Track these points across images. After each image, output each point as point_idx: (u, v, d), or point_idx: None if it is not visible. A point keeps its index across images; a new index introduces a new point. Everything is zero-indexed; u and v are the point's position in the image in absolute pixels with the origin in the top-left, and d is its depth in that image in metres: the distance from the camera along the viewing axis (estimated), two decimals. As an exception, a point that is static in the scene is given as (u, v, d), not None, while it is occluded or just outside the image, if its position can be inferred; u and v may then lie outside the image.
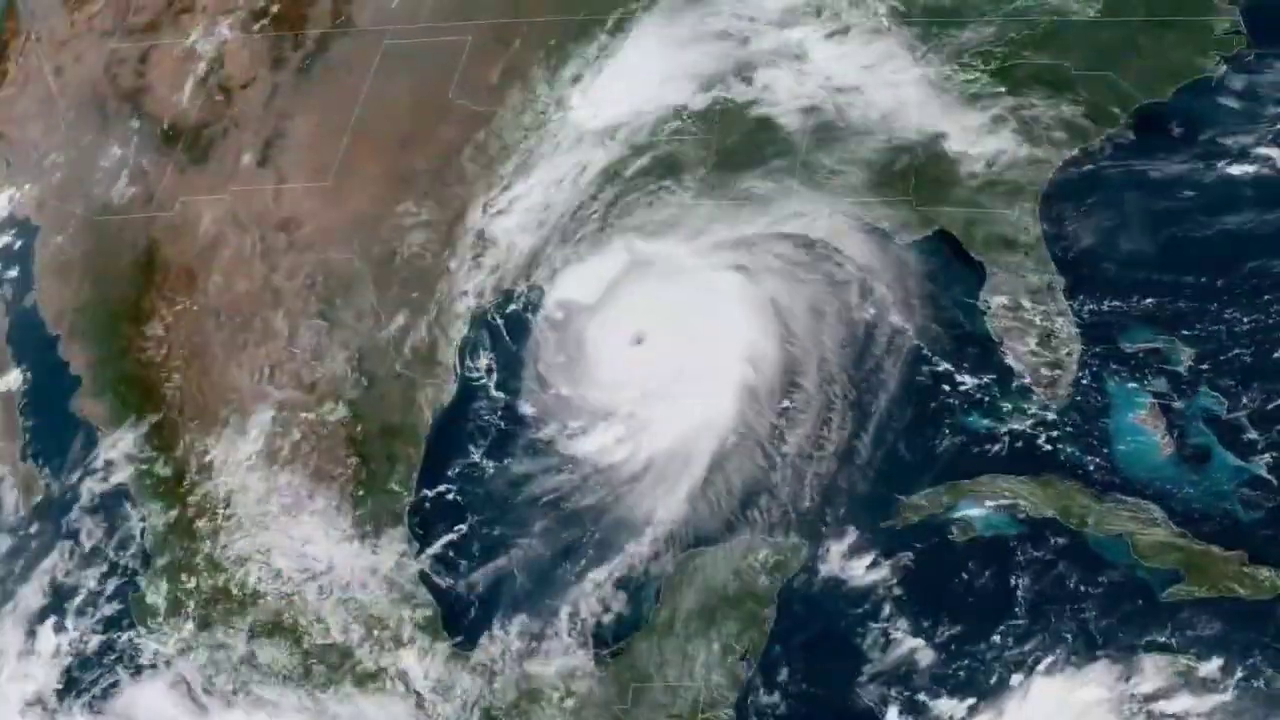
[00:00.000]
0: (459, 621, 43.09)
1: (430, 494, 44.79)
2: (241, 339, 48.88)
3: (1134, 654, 37.15)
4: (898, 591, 39.60)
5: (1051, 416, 39.98)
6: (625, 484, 42.82)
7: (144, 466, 48.11)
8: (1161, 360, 39.78)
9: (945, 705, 38.18)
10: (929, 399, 41.21)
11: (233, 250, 50.32)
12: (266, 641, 44.74)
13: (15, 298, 53.25)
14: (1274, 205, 40.94)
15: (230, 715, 44.23)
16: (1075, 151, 42.97)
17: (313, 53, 52.68)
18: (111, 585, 47.07)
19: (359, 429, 46.36)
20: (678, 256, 44.91)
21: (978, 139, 43.83)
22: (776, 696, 39.83)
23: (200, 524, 46.79)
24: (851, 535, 40.56)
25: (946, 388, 41.12)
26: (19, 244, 54.22)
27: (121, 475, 48.22)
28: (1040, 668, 37.73)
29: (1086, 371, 40.31)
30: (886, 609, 39.55)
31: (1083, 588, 38.15)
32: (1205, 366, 39.40)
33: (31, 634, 47.30)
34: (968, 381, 41.03)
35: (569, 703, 41.24)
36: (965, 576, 39.16)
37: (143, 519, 47.39)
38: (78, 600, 47.26)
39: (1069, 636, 37.77)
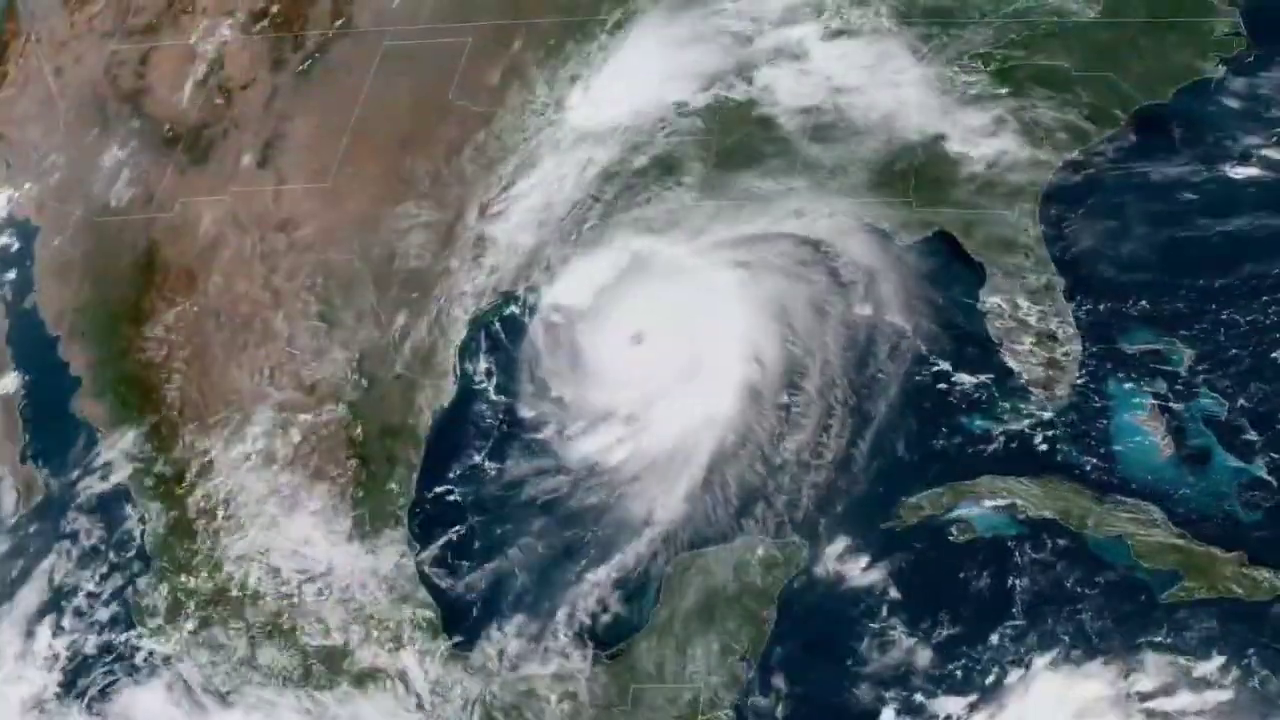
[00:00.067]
0: (458, 622, 43.07)
1: (430, 495, 44.77)
2: (241, 340, 48.87)
3: (1133, 653, 37.16)
4: (898, 592, 39.59)
5: (1051, 417, 40.01)
6: (625, 484, 42.82)
7: (144, 467, 48.08)
8: (1161, 361, 39.80)
9: (944, 704, 38.17)
10: (929, 400, 41.21)
11: (233, 251, 50.31)
12: (266, 642, 44.71)
13: (15, 298, 53.20)
14: (1274, 207, 40.91)
15: (229, 716, 44.18)
16: (1075, 153, 43.01)
17: (313, 54, 52.68)
18: (111, 586, 47.04)
19: (359, 430, 46.34)
20: (678, 256, 44.91)
21: (978, 140, 43.85)
22: (776, 697, 39.81)
23: (200, 525, 46.77)
24: (851, 536, 40.57)
25: (946, 388, 41.12)
26: (19, 245, 54.17)
27: (121, 476, 48.19)
28: (1039, 666, 37.73)
29: (1086, 372, 40.33)
30: (886, 609, 39.55)
31: (1082, 588, 38.17)
32: (1205, 367, 39.41)
33: (30, 635, 47.25)
34: (967, 382, 41.02)
35: (568, 703, 41.24)
36: (965, 577, 39.15)
37: (142, 519, 47.36)
38: (77, 601, 47.22)
39: (1068, 636, 37.77)
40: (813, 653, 39.86)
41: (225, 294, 49.75)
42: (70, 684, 46.18)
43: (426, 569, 43.83)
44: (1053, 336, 40.79)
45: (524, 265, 46.58)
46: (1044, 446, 39.77)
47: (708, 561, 41.45)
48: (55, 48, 57.33)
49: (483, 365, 45.73)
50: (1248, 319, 39.54)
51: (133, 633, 46.07)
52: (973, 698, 37.96)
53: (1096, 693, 37.09)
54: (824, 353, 42.72)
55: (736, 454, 42.27)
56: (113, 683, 45.73)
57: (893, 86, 45.49)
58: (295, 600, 44.89)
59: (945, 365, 41.39)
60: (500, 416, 44.91)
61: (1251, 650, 36.42)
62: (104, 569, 47.34)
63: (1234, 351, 39.27)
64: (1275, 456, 38.07)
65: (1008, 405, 40.40)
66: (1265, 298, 39.55)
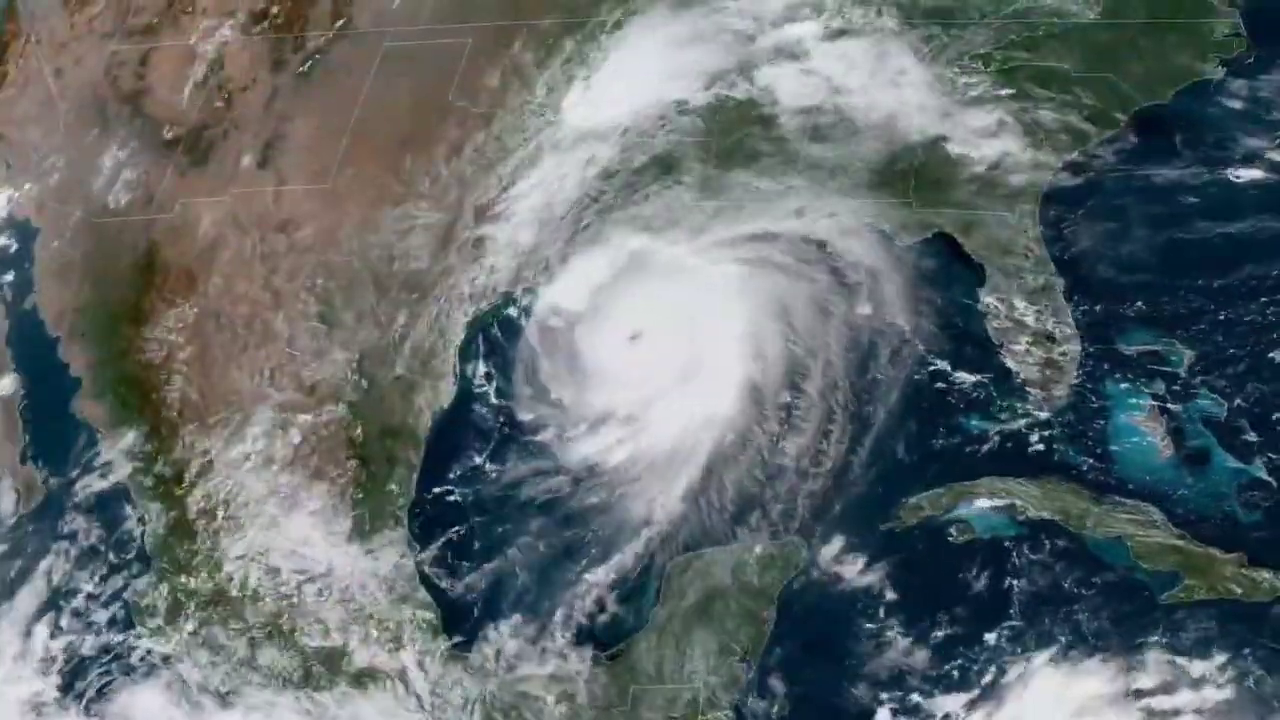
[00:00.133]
0: (458, 623, 43.11)
1: (430, 495, 44.80)
2: (241, 341, 48.86)
3: (1132, 652, 37.20)
4: (897, 593, 39.63)
5: (1050, 418, 40.03)
6: (624, 485, 42.85)
7: (143, 467, 48.09)
8: (1160, 362, 39.80)
9: (943, 703, 38.21)
10: (928, 401, 41.23)
11: (233, 252, 50.28)
12: (266, 642, 44.73)
13: (15, 299, 53.17)
14: (1273, 209, 40.88)
15: (229, 716, 44.22)
16: (1075, 154, 42.96)
17: (313, 55, 52.64)
18: (110, 586, 47.05)
19: (359, 431, 46.34)
20: (677, 255, 44.89)
21: (978, 141, 43.82)
22: (776, 697, 39.82)
23: (200, 525, 46.78)
24: (851, 536, 40.59)
25: (945, 389, 41.13)
26: (19, 246, 54.14)
27: (121, 476, 48.20)
28: (1038, 666, 37.78)
29: (1085, 373, 40.33)
30: (885, 610, 39.59)
31: (1081, 589, 38.20)
32: (1204, 368, 39.40)
33: (30, 635, 47.26)
34: (967, 383, 41.03)
35: (568, 704, 41.26)
36: (964, 578, 39.18)
37: (142, 520, 47.38)
38: (76, 601, 47.24)
39: (1067, 636, 37.82)
40: (812, 653, 39.90)
41: (225, 295, 49.72)
42: (69, 684, 46.20)
43: (426, 569, 43.87)
44: (1052, 337, 40.78)
45: (523, 266, 46.56)
46: (1043, 447, 39.79)
47: (707, 562, 41.48)
48: (55, 48, 57.27)
49: (482, 366, 45.73)
50: (1246, 320, 39.54)
51: (132, 633, 46.10)
52: (971, 697, 38.04)
53: (1095, 691, 37.14)
54: (825, 353, 42.73)
55: (736, 456, 42.31)
56: (112, 683, 45.75)
57: (893, 87, 45.45)
58: (295, 601, 44.91)
59: (945, 366, 41.40)
60: (500, 417, 44.93)
61: (1250, 650, 36.45)
62: (103, 569, 47.36)
63: (1233, 352, 39.27)
64: (1274, 457, 38.08)
65: (1007, 406, 40.41)
66: (1264, 298, 39.54)
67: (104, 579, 47.27)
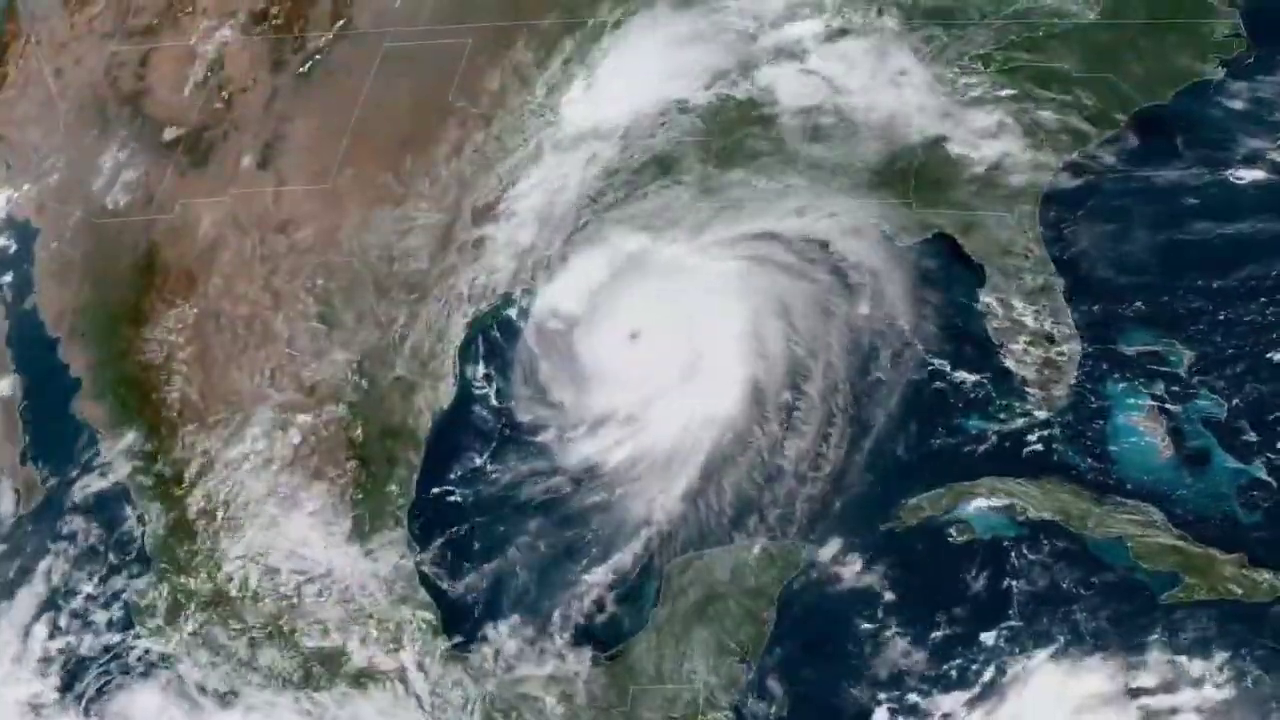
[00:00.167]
0: (458, 623, 43.15)
1: (429, 496, 44.80)
2: (241, 341, 48.85)
3: (1132, 652, 37.22)
4: (897, 593, 39.65)
5: (1050, 419, 40.03)
6: (623, 486, 42.85)
7: (143, 468, 48.10)
8: (1160, 362, 39.78)
9: (943, 703, 38.22)
10: (928, 401, 41.22)
11: (233, 252, 50.26)
12: (265, 643, 44.74)
13: (15, 300, 53.16)
14: (1273, 209, 40.86)
15: (229, 717, 44.25)
16: (1075, 154, 42.92)
17: (313, 55, 52.61)
18: (110, 587, 47.06)
19: (358, 431, 46.35)
20: (677, 255, 44.87)
21: (978, 141, 43.78)
22: (775, 698, 39.82)
23: (199, 525, 46.80)
24: (851, 537, 40.60)
25: (945, 389, 41.12)
26: (19, 246, 54.12)
27: (121, 477, 48.21)
28: (1038, 666, 37.78)
29: (1085, 374, 40.33)
30: (885, 610, 39.61)
31: (1081, 589, 38.23)
32: (1204, 369, 39.38)
33: (29, 636, 47.26)
34: (967, 383, 41.03)
35: (567, 704, 41.27)
36: (964, 578, 39.19)
37: (142, 520, 47.40)
38: (76, 602, 47.25)
39: (1067, 636, 37.84)
40: (811, 653, 39.92)
41: (225, 295, 49.71)
42: (68, 685, 46.22)
43: (426, 570, 43.89)
44: (1051, 338, 40.78)
45: (523, 266, 46.54)
46: (1043, 448, 39.81)
47: (707, 562, 41.49)
48: (55, 49, 57.24)
49: (482, 367, 45.72)
50: (1246, 320, 39.53)
51: (132, 634, 46.13)
52: (971, 697, 38.07)
53: (1095, 690, 37.16)
54: (825, 353, 42.72)
55: (735, 457, 42.32)
56: (111, 683, 45.76)
57: (893, 87, 45.41)
58: (294, 601, 44.93)
59: (945, 366, 41.41)
60: (499, 418, 44.93)
61: (1250, 650, 36.47)
62: (103, 570, 47.37)
63: (1233, 353, 39.27)
64: (1274, 458, 38.07)
65: (1007, 406, 40.42)
66: (1264, 299, 39.54)
67: (104, 579, 47.28)
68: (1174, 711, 36.61)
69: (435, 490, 44.65)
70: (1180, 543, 38.22)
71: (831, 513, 41.11)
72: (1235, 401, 38.83)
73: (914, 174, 44.05)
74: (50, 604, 47.46)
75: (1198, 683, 36.61)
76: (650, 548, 42.00)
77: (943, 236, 43.00)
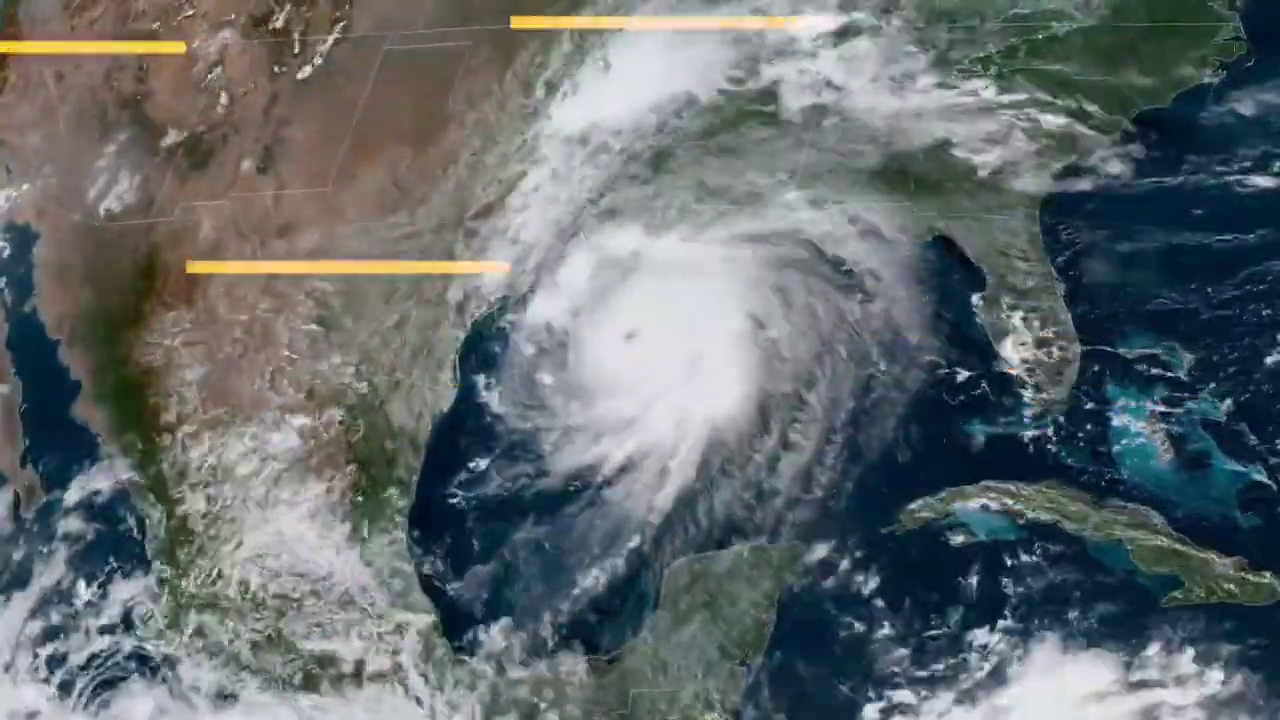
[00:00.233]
0: (457, 626, 43.17)
1: (429, 499, 44.81)
2: (241, 344, 48.86)
3: (1130, 654, 37.23)
4: (897, 595, 39.66)
5: (1050, 422, 40.00)
6: (622, 488, 42.85)
7: (143, 471, 48.12)
8: (1161, 365, 39.77)
9: (944, 704, 38.24)
10: (928, 404, 41.21)
11: (233, 256, 50.27)
12: (265, 646, 44.74)
13: (15, 303, 53.19)
14: (1273, 212, 40.85)
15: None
16: (1076, 158, 42.90)
17: (312, 59, 52.61)
18: (109, 589, 47.07)
19: (359, 435, 46.34)
20: (676, 256, 44.81)
21: (979, 144, 43.75)
22: (775, 700, 39.84)
23: (199, 529, 46.81)
24: (851, 539, 40.60)
25: (945, 393, 41.12)
26: (19, 249, 54.15)
27: (121, 480, 48.24)
28: (1037, 667, 37.81)
29: (1085, 377, 40.30)
30: (886, 612, 39.60)
31: (1081, 592, 38.25)
32: (1205, 372, 39.38)
33: (29, 638, 47.27)
34: (967, 386, 41.02)
35: (567, 707, 41.26)
36: (965, 581, 39.20)
37: (142, 524, 47.43)
38: (76, 604, 47.28)
39: (1067, 638, 37.85)
40: (811, 656, 39.92)
41: (225, 299, 49.72)
42: (68, 687, 46.24)
43: (425, 573, 43.90)
44: (1052, 341, 40.76)
45: (523, 269, 46.54)
46: (1043, 450, 39.79)
47: (706, 565, 41.49)
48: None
49: (481, 370, 45.72)
50: (1247, 323, 39.52)
51: (131, 636, 46.15)
52: (970, 699, 38.05)
53: (1094, 692, 37.15)
54: (823, 355, 42.69)
55: (735, 459, 42.32)
56: (110, 686, 45.77)
57: (896, 89, 45.37)
58: (294, 604, 44.95)
59: (945, 369, 41.40)
60: (499, 421, 44.92)
61: (1249, 652, 36.47)
62: (103, 573, 47.39)
63: (1233, 356, 39.26)
64: (1274, 461, 38.07)
65: (1007, 409, 40.41)
66: (1264, 302, 39.54)
67: (103, 582, 47.29)
68: (1174, 714, 36.62)
69: (435, 493, 44.66)
70: (1180, 545, 38.23)
71: (831, 515, 41.12)
72: (1235, 405, 38.83)
73: (915, 176, 44.02)
74: (51, 606, 47.47)
75: (1198, 685, 36.63)
76: (649, 550, 42.02)
77: (943, 239, 42.99)
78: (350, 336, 47.46)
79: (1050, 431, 40.04)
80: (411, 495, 45.00)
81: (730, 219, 44.94)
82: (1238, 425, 38.65)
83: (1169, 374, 39.70)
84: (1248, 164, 41.55)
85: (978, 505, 39.81)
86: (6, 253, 54.23)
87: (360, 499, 45.31)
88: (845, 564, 40.36)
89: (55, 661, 46.95)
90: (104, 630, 46.62)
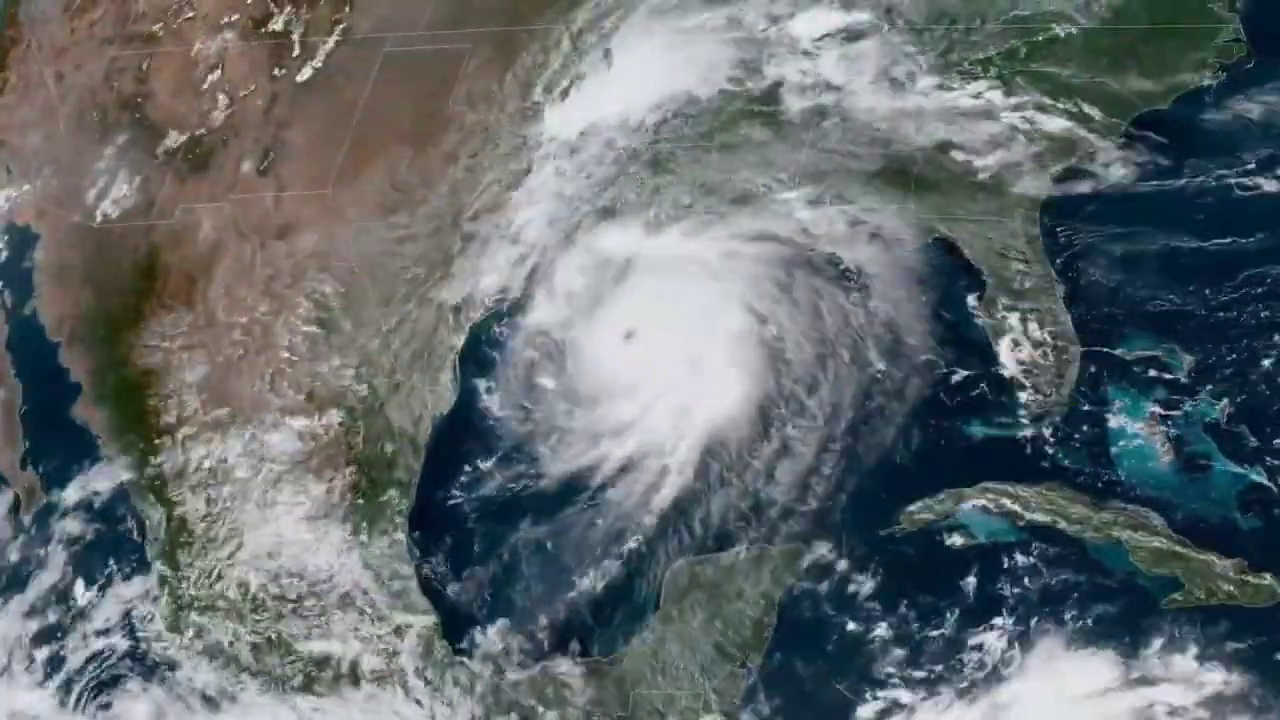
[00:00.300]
0: (457, 627, 43.17)
1: (429, 501, 44.81)
2: (241, 346, 48.90)
3: (1130, 656, 37.24)
4: (897, 597, 39.66)
5: (1050, 424, 39.98)
6: (622, 490, 42.83)
7: (143, 473, 48.14)
8: (1160, 368, 39.76)
9: (944, 705, 38.25)
10: (927, 406, 41.19)
11: (232, 258, 50.32)
12: (265, 647, 44.75)
13: (15, 305, 53.22)
14: (1273, 214, 40.84)
15: (228, 722, 44.42)
16: (1075, 159, 42.88)
17: (312, 61, 52.64)
18: (109, 592, 47.08)
19: (358, 437, 46.37)
20: (675, 257, 44.80)
21: (979, 146, 43.74)
22: (775, 702, 39.84)
23: (199, 531, 46.84)
24: (852, 541, 40.60)
25: (945, 395, 41.11)
26: (19, 251, 54.18)
27: (121, 482, 48.27)
28: (1037, 669, 37.81)
29: (1085, 379, 40.28)
30: (886, 614, 39.60)
31: (1081, 594, 38.22)
32: (1205, 374, 39.36)
33: (29, 640, 47.29)
34: (966, 388, 41.01)
35: (567, 708, 41.26)
36: (965, 582, 39.19)
37: (142, 525, 47.45)
38: (75, 606, 47.29)
39: (1067, 640, 37.85)
40: (811, 658, 39.90)
41: (225, 300, 49.76)
42: (68, 689, 46.24)
43: (425, 574, 43.89)
44: (1051, 343, 40.75)
45: (522, 270, 46.54)
46: (1042, 452, 39.77)
47: (706, 567, 41.47)
48: (55, 53, 57.32)
49: (481, 372, 45.72)
50: (1247, 325, 39.50)
51: (131, 638, 46.16)
52: (969, 699, 38.04)
53: (1093, 694, 37.16)
54: (823, 356, 42.68)
55: (734, 460, 42.30)
56: (110, 688, 45.78)
57: (896, 90, 45.38)
58: (294, 606, 44.95)
59: (944, 371, 41.38)
60: (498, 423, 44.92)
61: (1249, 653, 36.48)
62: (103, 575, 47.40)
63: (1233, 358, 39.24)
64: (1275, 463, 38.05)
65: (1006, 411, 40.40)
66: (1263, 304, 39.52)
67: (103, 584, 47.30)
68: (1173, 712, 36.63)
69: (435, 495, 44.67)
70: (1180, 547, 38.19)
71: (831, 517, 41.10)
72: (1235, 406, 38.82)
73: (915, 177, 44.02)
74: (51, 608, 47.47)
75: (1198, 687, 36.62)
76: (650, 552, 42.00)
77: (942, 241, 42.98)
78: (350, 339, 47.49)
79: (1049, 433, 40.02)
80: (411, 497, 45.02)
81: (730, 219, 44.94)
82: (1237, 427, 38.63)
83: (1168, 376, 39.68)
84: (1247, 166, 41.51)
85: (977, 507, 39.80)
86: (6, 254, 54.24)
87: (360, 501, 45.32)
88: (845, 565, 40.36)
89: (54, 663, 46.96)
90: (103, 632, 46.63)
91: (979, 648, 38.54)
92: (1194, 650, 37.00)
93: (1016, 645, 38.26)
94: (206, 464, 47.67)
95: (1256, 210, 40.67)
